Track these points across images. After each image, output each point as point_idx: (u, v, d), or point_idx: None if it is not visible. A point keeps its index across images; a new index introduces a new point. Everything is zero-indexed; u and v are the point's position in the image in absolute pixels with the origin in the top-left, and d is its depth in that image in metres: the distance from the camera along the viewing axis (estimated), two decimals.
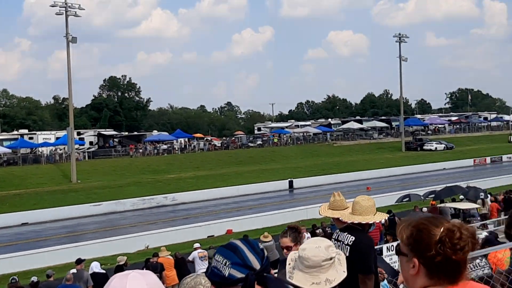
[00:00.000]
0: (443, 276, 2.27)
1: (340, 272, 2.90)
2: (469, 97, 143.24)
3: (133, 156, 72.02)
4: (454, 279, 2.29)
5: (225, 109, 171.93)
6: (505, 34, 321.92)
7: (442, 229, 2.27)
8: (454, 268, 2.26)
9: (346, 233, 5.63)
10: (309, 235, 22.01)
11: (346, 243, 5.54)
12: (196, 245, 22.22)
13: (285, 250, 5.27)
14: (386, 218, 6.01)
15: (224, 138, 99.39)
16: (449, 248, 2.22)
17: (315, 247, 2.82)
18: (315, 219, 29.37)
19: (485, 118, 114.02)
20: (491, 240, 10.50)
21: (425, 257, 2.27)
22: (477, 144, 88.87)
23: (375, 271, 5.66)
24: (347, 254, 5.43)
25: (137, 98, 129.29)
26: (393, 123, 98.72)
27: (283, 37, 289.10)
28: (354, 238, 5.53)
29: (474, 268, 6.11)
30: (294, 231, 5.45)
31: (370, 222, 5.71)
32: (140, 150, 74.49)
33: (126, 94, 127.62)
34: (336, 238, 5.71)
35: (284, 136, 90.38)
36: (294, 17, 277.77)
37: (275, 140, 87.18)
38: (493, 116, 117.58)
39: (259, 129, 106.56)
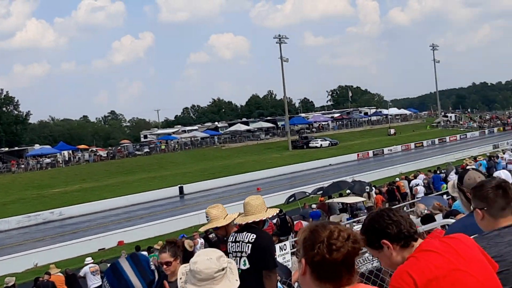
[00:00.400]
0: (324, 278, 2.34)
1: (233, 281, 2.88)
2: (350, 94, 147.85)
3: (15, 172, 69.56)
4: (336, 282, 2.34)
5: (109, 118, 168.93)
6: (379, 31, 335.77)
7: (327, 231, 2.34)
8: (330, 269, 2.33)
9: (244, 232, 5.72)
10: (202, 240, 21.96)
11: (247, 241, 5.64)
12: (88, 259, 21.67)
13: (164, 266, 5.19)
14: (277, 212, 6.16)
15: (109, 148, 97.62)
16: (325, 247, 2.31)
17: (206, 259, 2.76)
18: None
19: (366, 113, 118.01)
20: None
21: (309, 257, 2.34)
22: (359, 139, 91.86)
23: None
24: (249, 252, 5.56)
25: (15, 112, 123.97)
26: (278, 123, 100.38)
27: (164, 43, 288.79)
28: (254, 235, 5.63)
29: (364, 262, 6.27)
30: (173, 246, 5.39)
31: (264, 219, 5.82)
32: (22, 166, 72.02)
33: (4, 109, 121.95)
34: (233, 240, 5.77)
35: (172, 142, 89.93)
36: (174, 21, 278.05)
37: (163, 147, 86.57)
38: (373, 111, 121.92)
39: (145, 137, 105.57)
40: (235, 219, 5.95)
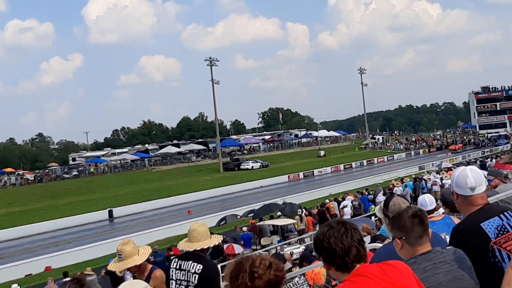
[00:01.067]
0: None
1: None
2: (281, 116, 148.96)
3: None
4: None
5: (37, 140, 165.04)
6: (308, 54, 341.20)
7: (250, 261, 2.42)
8: None
9: (190, 261, 5.72)
10: None
11: (193, 271, 5.63)
12: (14, 286, 21.06)
13: None
14: (221, 239, 6.24)
15: (37, 171, 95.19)
16: (248, 275, 2.41)
17: None
18: None
19: (296, 135, 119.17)
20: (307, 256, 10.90)
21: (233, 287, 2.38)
22: (290, 161, 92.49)
23: None
24: (196, 282, 5.57)
25: None
26: (210, 145, 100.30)
27: (94, 64, 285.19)
28: (202, 266, 5.64)
29: (294, 286, 6.36)
30: (76, 282, 5.36)
31: (211, 246, 5.85)
32: None
33: None
34: (178, 267, 5.75)
35: (101, 165, 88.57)
36: (104, 43, 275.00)
37: (92, 170, 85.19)
38: (303, 133, 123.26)
39: (74, 160, 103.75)
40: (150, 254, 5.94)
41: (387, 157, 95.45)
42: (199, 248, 5.70)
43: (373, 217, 26.12)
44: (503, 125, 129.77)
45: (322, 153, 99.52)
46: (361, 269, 2.87)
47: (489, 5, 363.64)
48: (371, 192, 36.51)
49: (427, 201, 6.12)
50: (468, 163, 49.41)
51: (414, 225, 3.42)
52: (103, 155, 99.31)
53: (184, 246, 5.80)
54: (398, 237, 3.48)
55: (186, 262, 5.72)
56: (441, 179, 34.98)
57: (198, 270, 5.60)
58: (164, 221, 43.37)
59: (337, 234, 2.92)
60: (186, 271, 5.66)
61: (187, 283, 5.61)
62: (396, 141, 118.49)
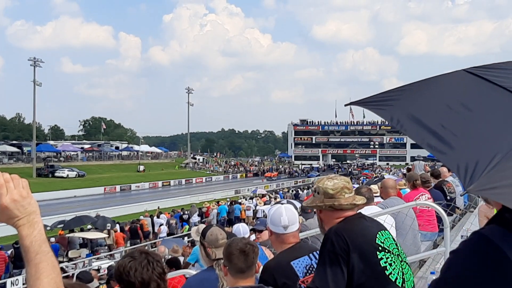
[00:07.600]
0: None
1: None
2: (103, 126, 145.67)
3: None
4: None
5: None
6: (138, 67, 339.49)
7: None
8: None
9: None
10: None
11: None
12: None
13: None
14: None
15: None
16: None
17: None
18: None
19: (117, 147, 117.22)
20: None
21: None
22: (108, 173, 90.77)
23: None
24: None
25: None
26: (24, 148, 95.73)
27: None
28: None
29: None
30: None
31: None
32: None
33: None
34: None
35: None
36: None
37: None
38: (124, 145, 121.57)
39: None
40: None
41: (206, 178, 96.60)
42: None
43: (186, 238, 26.35)
44: (317, 158, 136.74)
45: (141, 168, 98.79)
46: None
47: (315, 42, 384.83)
48: (186, 212, 36.77)
49: (241, 230, 6.30)
50: (284, 194, 51.45)
51: (239, 260, 3.57)
52: None
53: None
54: (224, 265, 3.66)
55: None
56: (255, 205, 36.14)
57: None
58: None
59: (138, 266, 2.98)
60: None
61: None
62: (216, 163, 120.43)
